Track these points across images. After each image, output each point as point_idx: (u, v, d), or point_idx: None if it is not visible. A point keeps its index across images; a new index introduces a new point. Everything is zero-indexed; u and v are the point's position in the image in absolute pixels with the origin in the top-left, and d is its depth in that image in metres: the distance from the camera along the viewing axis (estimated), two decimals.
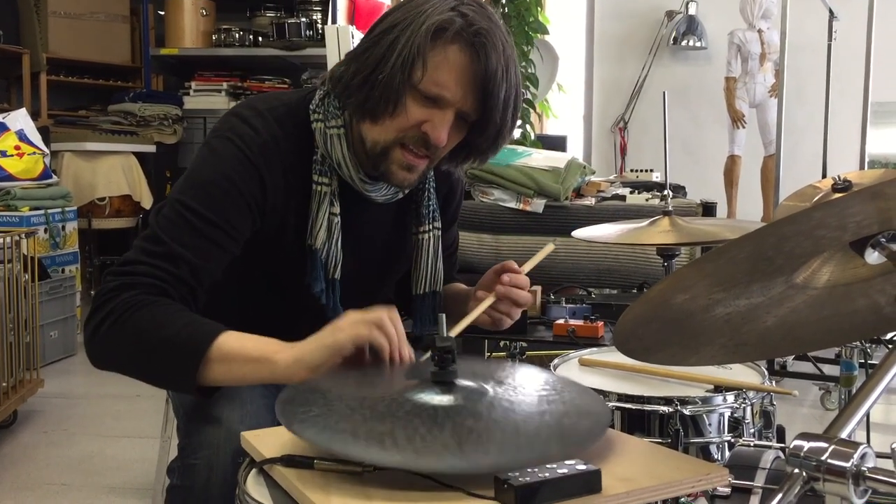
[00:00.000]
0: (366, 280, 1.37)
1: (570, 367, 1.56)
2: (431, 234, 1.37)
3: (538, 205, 3.09)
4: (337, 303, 1.28)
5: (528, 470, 0.80)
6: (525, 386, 1.01)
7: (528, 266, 1.35)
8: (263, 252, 1.28)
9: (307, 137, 1.26)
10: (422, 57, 1.14)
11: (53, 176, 4.30)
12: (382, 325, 1.04)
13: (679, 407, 1.32)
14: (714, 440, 1.35)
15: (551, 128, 6.46)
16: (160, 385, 1.19)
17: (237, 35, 5.54)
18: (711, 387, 1.39)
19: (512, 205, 3.12)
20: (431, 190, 1.38)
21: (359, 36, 4.55)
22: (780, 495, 0.73)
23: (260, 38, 5.54)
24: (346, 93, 1.21)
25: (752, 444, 1.25)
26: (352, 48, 1.28)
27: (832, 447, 0.72)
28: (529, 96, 4.78)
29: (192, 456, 1.13)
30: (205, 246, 1.17)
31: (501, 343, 2.20)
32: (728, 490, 1.05)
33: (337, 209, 1.26)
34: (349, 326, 1.04)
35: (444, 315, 1.04)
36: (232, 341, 1.09)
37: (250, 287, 1.34)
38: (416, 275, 1.38)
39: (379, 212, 1.35)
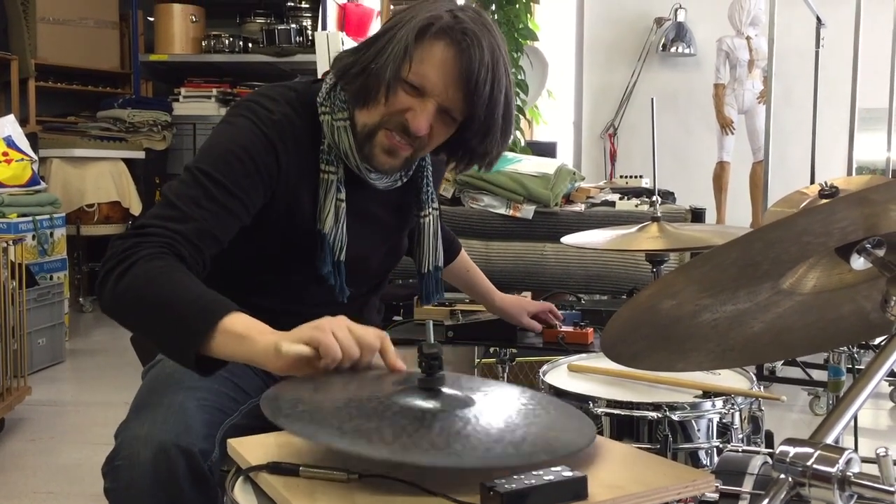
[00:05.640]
0: (368, 260, 1.45)
1: (560, 373, 1.55)
2: (431, 216, 1.49)
3: (528, 211, 3.09)
4: (343, 283, 1.36)
5: (515, 477, 0.79)
6: (510, 400, 1.01)
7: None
8: (275, 226, 1.34)
9: (315, 122, 1.34)
10: (408, 52, 1.23)
11: (42, 182, 4.28)
12: (341, 334, 1.01)
13: (668, 413, 1.32)
14: (703, 446, 1.35)
15: (541, 134, 6.47)
16: (161, 347, 1.17)
17: (227, 41, 5.53)
18: (700, 392, 1.39)
19: (502, 211, 3.12)
20: (429, 176, 1.48)
21: (349, 42, 4.55)
22: (765, 501, 0.73)
23: (250, 45, 5.53)
24: (345, 80, 1.31)
25: (740, 449, 1.25)
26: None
27: (817, 453, 0.72)
28: (519, 102, 4.79)
29: (115, 458, 1.16)
30: (218, 211, 1.22)
31: (492, 350, 2.19)
32: (716, 496, 1.05)
33: (343, 195, 1.35)
34: (327, 325, 1.02)
35: (430, 322, 1.05)
36: (233, 318, 1.07)
37: (262, 267, 1.39)
38: (420, 255, 1.51)
39: (381, 197, 1.42)
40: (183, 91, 5.57)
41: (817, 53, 4.49)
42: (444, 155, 1.40)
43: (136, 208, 5.08)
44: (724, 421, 1.36)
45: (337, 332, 1.01)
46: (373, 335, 1.03)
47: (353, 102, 1.31)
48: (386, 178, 1.38)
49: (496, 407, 0.96)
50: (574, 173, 3.30)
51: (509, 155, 3.43)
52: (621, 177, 4.24)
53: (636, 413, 1.34)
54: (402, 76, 1.24)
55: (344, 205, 1.35)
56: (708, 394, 1.37)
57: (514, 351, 2.10)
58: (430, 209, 1.49)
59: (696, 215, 3.08)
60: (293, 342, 1.01)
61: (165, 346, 1.14)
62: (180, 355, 1.10)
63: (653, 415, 1.33)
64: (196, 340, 1.05)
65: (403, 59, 1.23)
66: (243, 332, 1.05)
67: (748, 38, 5.99)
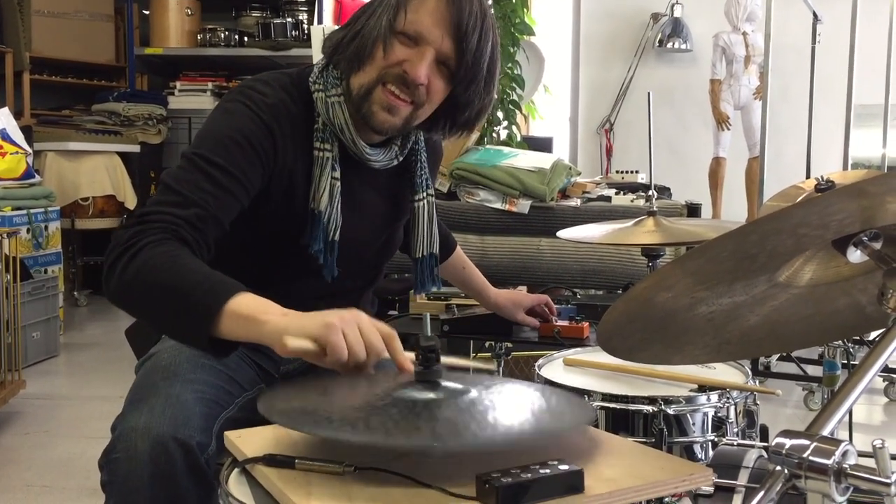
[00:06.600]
0: (361, 243, 1.44)
1: (555, 367, 1.55)
2: (426, 200, 1.48)
3: (524, 205, 3.09)
4: (333, 262, 1.35)
5: (511, 470, 0.79)
6: (511, 391, 1.01)
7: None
8: (274, 214, 1.34)
9: (309, 106, 1.35)
10: (402, 2, 1.26)
11: (36, 176, 4.27)
12: (350, 334, 1.00)
13: (663, 406, 1.32)
14: (698, 439, 1.35)
15: (537, 129, 6.45)
16: (172, 333, 1.17)
17: (222, 35, 5.51)
18: (695, 386, 1.39)
19: (497, 205, 3.12)
20: (423, 160, 1.47)
21: None
22: (761, 493, 0.73)
23: (245, 39, 5.52)
24: (338, 51, 1.32)
25: (735, 443, 1.26)
26: None
27: (814, 444, 0.72)
28: (516, 97, 4.78)
29: (113, 451, 1.16)
30: (219, 194, 1.22)
31: (487, 344, 2.19)
32: (711, 489, 1.05)
33: (338, 174, 1.34)
34: (338, 322, 1.01)
35: (428, 314, 1.05)
36: (238, 299, 1.07)
37: (256, 248, 1.38)
38: (415, 240, 1.49)
39: (376, 179, 1.42)
40: (178, 85, 5.55)
41: (814, 49, 4.49)
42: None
43: (131, 202, 5.07)
44: (719, 415, 1.36)
45: (347, 331, 1.00)
46: (381, 338, 1.02)
47: (347, 70, 1.31)
48: (382, 153, 1.38)
49: (493, 395, 0.96)
50: (570, 168, 3.30)
51: (505, 150, 3.43)
52: (617, 172, 4.24)
53: (632, 407, 1.34)
54: (398, 28, 1.26)
55: (339, 184, 1.34)
56: (703, 388, 1.38)
57: (510, 345, 2.09)
58: (425, 193, 1.48)
59: (692, 210, 3.08)
60: (300, 336, 1.00)
61: (176, 332, 1.14)
62: (192, 340, 1.10)
63: (648, 408, 1.33)
64: (205, 323, 1.05)
65: (398, 10, 1.25)
66: (249, 314, 1.05)
67: (745, 34, 5.99)
